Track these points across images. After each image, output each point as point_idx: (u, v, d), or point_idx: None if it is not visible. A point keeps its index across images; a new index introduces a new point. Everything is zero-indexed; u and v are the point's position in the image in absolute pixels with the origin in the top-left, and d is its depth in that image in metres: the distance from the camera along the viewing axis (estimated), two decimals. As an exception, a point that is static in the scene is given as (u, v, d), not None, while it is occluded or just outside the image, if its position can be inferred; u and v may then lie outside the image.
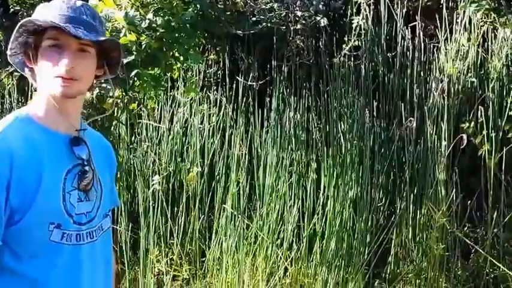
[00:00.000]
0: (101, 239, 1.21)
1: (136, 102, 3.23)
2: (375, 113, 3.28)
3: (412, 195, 3.06)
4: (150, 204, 3.19)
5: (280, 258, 2.99)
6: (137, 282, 3.04)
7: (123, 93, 2.93)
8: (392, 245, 3.00)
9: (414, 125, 3.13)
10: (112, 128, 3.17)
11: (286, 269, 3.01)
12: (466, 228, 3.07)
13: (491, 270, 2.87)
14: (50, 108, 1.16)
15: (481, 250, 2.84)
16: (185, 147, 3.46)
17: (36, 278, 1.11)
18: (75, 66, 1.11)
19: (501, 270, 2.74)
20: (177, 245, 3.16)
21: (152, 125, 3.46)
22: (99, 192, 1.21)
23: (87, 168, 1.18)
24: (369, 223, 3.01)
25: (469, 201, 2.98)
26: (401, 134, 3.15)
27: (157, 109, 3.50)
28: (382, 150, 3.23)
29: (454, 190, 2.90)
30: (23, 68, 1.21)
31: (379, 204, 3.14)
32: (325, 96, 3.37)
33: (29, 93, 3.09)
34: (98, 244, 1.20)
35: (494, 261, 2.70)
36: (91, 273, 1.18)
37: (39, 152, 1.13)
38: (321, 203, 3.10)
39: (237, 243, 2.99)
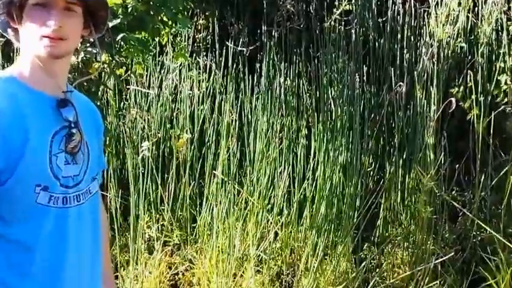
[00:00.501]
0: (88, 202, 1.21)
1: (124, 67, 3.18)
2: (365, 79, 3.27)
3: (401, 159, 3.09)
4: (140, 170, 3.18)
5: (271, 223, 3.02)
6: (128, 248, 3.06)
7: (110, 58, 2.88)
8: (381, 209, 3.04)
9: (404, 90, 3.13)
10: (99, 93, 3.14)
11: (276, 234, 3.04)
12: (453, 191, 3.11)
13: (478, 232, 2.92)
14: (35, 69, 1.14)
15: (468, 213, 2.89)
16: (175, 114, 3.44)
17: (23, 241, 1.10)
18: (63, 25, 1.09)
19: (488, 232, 2.79)
20: (167, 211, 3.16)
21: (141, 91, 3.42)
22: (86, 156, 1.20)
23: (74, 130, 1.16)
24: (358, 187, 3.03)
25: (457, 165, 3.01)
26: (391, 99, 3.15)
27: (146, 75, 3.45)
28: (372, 115, 3.24)
29: (443, 154, 2.93)
30: (5, 28, 1.18)
31: (368, 169, 3.16)
32: (316, 61, 3.35)
33: (15, 59, 3.02)
34: (85, 207, 1.20)
35: (481, 223, 2.75)
36: (78, 236, 1.18)
37: (25, 113, 1.11)
38: (311, 169, 3.11)
39: (227, 209, 3.01)
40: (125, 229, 3.18)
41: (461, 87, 3.08)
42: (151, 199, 3.18)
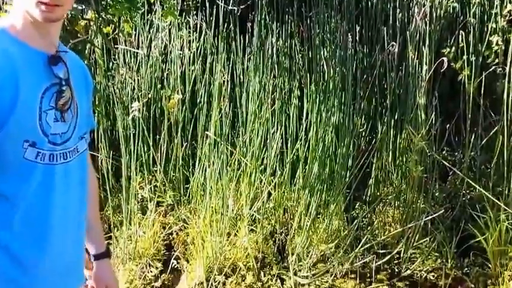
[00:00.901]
0: (76, 161, 1.21)
1: (111, 25, 3.10)
2: (357, 39, 3.25)
3: (392, 120, 3.10)
4: (131, 131, 3.15)
5: (264, 183, 3.03)
6: (121, 209, 3.06)
7: (96, 15, 2.80)
8: (373, 169, 3.07)
9: (396, 50, 3.12)
10: (86, 51, 3.07)
11: (269, 194, 3.06)
12: (444, 151, 3.15)
13: (467, 191, 2.98)
14: (28, 25, 1.13)
15: (458, 172, 2.94)
16: (165, 74, 3.38)
17: (8, 195, 1.11)
18: None
19: (477, 191, 2.85)
20: (160, 172, 3.15)
21: (130, 51, 3.35)
22: (76, 114, 1.20)
23: (65, 88, 1.16)
24: (351, 148, 3.05)
25: (447, 125, 3.04)
26: (384, 60, 3.14)
27: (134, 34, 3.37)
28: (364, 76, 3.23)
29: (434, 114, 2.95)
30: None
31: (360, 130, 3.18)
32: (308, 21, 3.31)
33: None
34: (72, 166, 1.20)
35: (471, 182, 2.80)
36: (64, 194, 1.18)
37: (16, 67, 1.10)
38: (303, 129, 3.11)
39: (220, 170, 3.01)
40: (117, 190, 3.16)
41: (453, 48, 3.08)
42: (143, 160, 3.16)
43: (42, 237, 1.15)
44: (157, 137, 3.24)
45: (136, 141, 3.11)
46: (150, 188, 3.11)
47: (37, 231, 1.14)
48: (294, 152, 3.09)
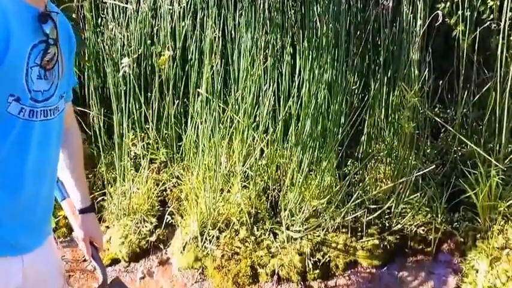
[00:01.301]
0: (57, 119, 1.23)
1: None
2: (351, -7, 3.19)
3: (385, 77, 3.09)
4: (122, 88, 3.11)
5: (256, 140, 3.03)
6: (114, 166, 3.06)
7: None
8: (365, 126, 3.07)
9: (390, 4, 3.07)
10: (74, 4, 2.99)
11: (262, 151, 3.06)
12: (436, 108, 3.16)
13: (459, 148, 3.01)
14: None
15: (450, 128, 2.95)
16: (155, 30, 3.31)
17: None
18: None
19: (468, 147, 2.87)
20: (152, 129, 3.13)
21: (118, 5, 3.26)
22: (59, 72, 1.20)
23: (52, 46, 1.16)
24: (343, 105, 3.04)
25: (440, 82, 3.04)
26: (378, 15, 3.09)
27: (123, -12, 3.29)
28: (358, 32, 3.19)
29: (427, 70, 2.94)
30: None
31: (353, 87, 3.16)
32: (301, -24, 3.23)
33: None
34: (52, 123, 1.21)
35: (462, 138, 2.82)
36: (41, 149, 1.19)
37: (8, 20, 1.07)
38: (296, 86, 3.09)
39: (213, 127, 3.00)
40: (110, 147, 3.15)
41: (448, 3, 3.04)
42: (135, 118, 3.13)
43: (14, 189, 1.17)
44: (149, 94, 3.20)
45: (127, 99, 3.08)
46: (143, 145, 3.10)
47: (11, 183, 1.16)
48: (286, 109, 3.08)
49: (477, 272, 2.65)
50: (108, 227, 3.15)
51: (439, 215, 2.85)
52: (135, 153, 3.09)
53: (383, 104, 3.08)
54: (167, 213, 2.97)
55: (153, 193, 2.99)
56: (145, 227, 2.94)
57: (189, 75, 3.22)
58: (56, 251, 1.55)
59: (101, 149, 3.03)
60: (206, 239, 2.85)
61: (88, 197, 1.55)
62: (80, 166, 1.50)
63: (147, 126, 3.18)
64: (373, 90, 3.08)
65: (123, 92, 3.08)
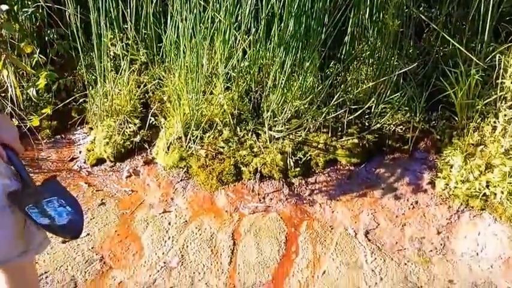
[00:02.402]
0: None
1: None
2: None
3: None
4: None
5: (239, 41, 2.98)
6: (94, 67, 3.00)
7: None
8: (349, 25, 3.03)
9: None
10: None
11: (244, 52, 3.02)
12: (421, 8, 3.11)
13: (441, 48, 3.01)
14: None
15: (434, 26, 2.93)
16: None
17: None
18: None
19: (451, 46, 2.87)
20: (131, 29, 3.05)
21: None
22: None
23: None
24: (328, 2, 2.96)
25: (427, -20, 2.97)
26: None
27: None
28: None
29: (415, -33, 2.85)
30: None
31: (338, -15, 3.07)
32: None
33: None
34: None
35: (446, 36, 2.80)
36: None
37: None
38: (279, -16, 2.98)
39: (193, 27, 2.92)
40: (88, 48, 3.07)
41: None
42: (113, 16, 3.03)
43: None
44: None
45: (104, -4, 2.95)
46: (122, 45, 3.03)
47: None
48: (269, 8, 2.99)
49: (451, 167, 2.77)
50: (91, 128, 3.17)
51: (418, 114, 2.91)
52: (114, 53, 3.02)
53: (368, 3, 3.01)
54: (150, 114, 2.98)
55: (134, 95, 2.98)
56: (129, 128, 2.96)
57: (167, -29, 3.07)
58: None
59: (80, 51, 2.96)
60: (190, 139, 2.89)
61: None
62: None
63: (126, 26, 3.09)
64: (358, -13, 3.00)
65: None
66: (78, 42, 2.92)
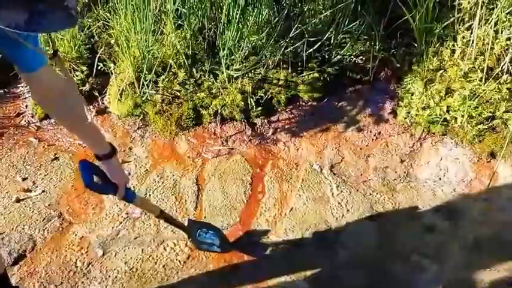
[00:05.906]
0: None
1: None
2: None
3: None
4: None
5: (187, -25, 2.78)
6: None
7: None
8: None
9: None
10: None
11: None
12: None
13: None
14: None
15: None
16: None
17: None
18: None
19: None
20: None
21: None
22: None
23: None
24: None
25: None
26: None
27: None
28: None
29: None
30: None
31: None
32: None
33: None
34: None
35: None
36: None
37: None
38: None
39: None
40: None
41: None
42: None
43: None
44: None
45: None
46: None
47: None
48: None
49: (412, 95, 2.74)
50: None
51: (377, 43, 2.84)
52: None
53: None
54: (98, 60, 2.79)
55: (78, 39, 2.77)
56: (76, 76, 2.77)
57: None
58: None
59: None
60: (143, 84, 2.74)
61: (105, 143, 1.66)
62: None
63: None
64: None
65: None
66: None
